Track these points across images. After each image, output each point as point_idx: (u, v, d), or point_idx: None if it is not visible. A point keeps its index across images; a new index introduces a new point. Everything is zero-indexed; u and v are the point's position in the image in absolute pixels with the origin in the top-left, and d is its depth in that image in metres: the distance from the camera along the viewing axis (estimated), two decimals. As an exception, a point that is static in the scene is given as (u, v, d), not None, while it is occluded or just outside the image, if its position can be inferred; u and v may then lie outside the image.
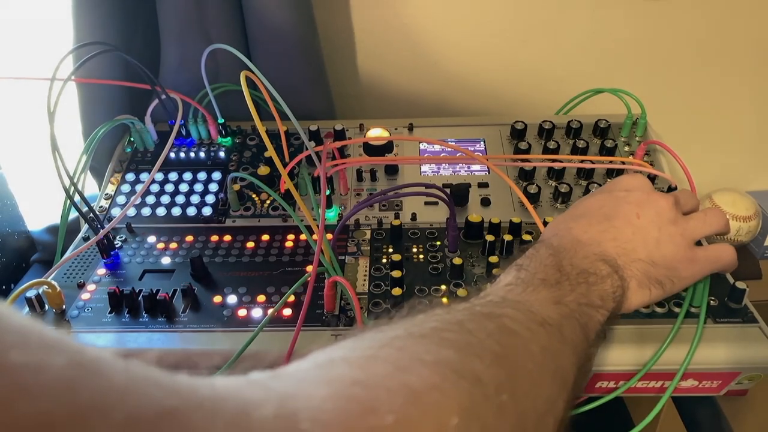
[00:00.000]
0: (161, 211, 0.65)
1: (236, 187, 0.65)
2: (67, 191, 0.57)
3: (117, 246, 0.60)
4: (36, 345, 0.17)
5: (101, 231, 0.57)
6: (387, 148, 0.72)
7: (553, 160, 0.67)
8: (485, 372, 0.27)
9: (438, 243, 0.60)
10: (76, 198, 0.58)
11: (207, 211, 0.65)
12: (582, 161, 0.67)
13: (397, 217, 0.63)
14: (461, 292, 0.53)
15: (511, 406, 0.28)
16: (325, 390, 0.23)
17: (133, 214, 0.65)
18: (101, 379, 0.17)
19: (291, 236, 0.61)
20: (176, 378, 0.20)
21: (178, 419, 0.18)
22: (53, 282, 0.52)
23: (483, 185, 0.67)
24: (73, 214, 0.68)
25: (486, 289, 0.39)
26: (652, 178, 0.65)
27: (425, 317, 0.31)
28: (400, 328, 0.29)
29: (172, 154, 0.72)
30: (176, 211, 0.65)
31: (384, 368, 0.25)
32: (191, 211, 0.65)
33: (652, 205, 0.45)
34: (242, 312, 0.53)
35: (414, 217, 0.63)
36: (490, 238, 0.57)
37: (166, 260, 0.59)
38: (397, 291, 0.52)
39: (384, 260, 0.58)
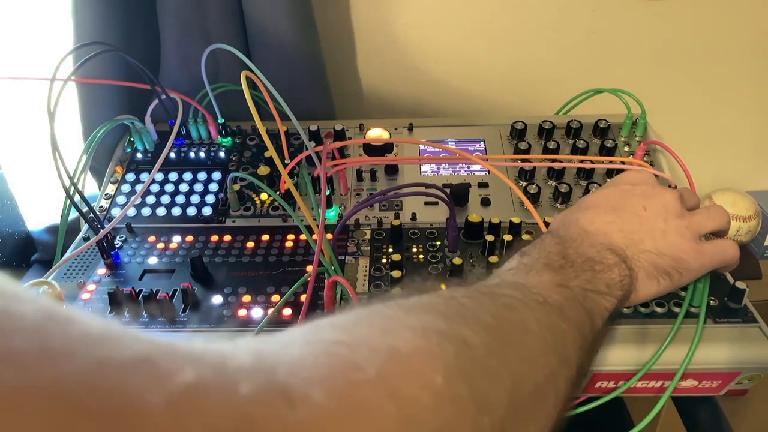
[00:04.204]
0: (161, 211, 0.65)
1: (236, 187, 0.65)
2: (67, 191, 0.57)
3: (117, 246, 0.60)
4: (10, 294, 0.17)
5: (101, 231, 0.57)
6: (387, 148, 0.72)
7: (553, 160, 0.67)
8: (473, 337, 0.27)
9: (438, 243, 0.60)
10: (76, 198, 0.58)
11: (207, 211, 0.65)
12: (582, 161, 0.67)
13: (397, 217, 0.63)
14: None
15: (503, 371, 0.27)
16: (307, 348, 0.22)
17: (133, 214, 0.65)
18: (73, 327, 0.17)
19: (291, 236, 0.61)
20: (154, 335, 0.20)
21: (151, 364, 0.18)
22: (53, 282, 0.52)
23: (483, 185, 0.67)
24: (73, 214, 0.68)
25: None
26: (652, 178, 0.65)
27: (419, 294, 0.31)
28: (392, 302, 0.29)
29: (172, 154, 0.72)
30: (176, 211, 0.65)
31: (369, 331, 0.25)
32: (191, 211, 0.65)
33: (658, 197, 0.45)
34: (242, 312, 0.53)
35: (414, 217, 0.63)
36: (490, 238, 0.57)
37: (166, 260, 0.59)
38: (397, 291, 0.52)
39: (384, 260, 0.58)
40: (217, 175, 0.70)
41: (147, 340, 0.19)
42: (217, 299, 0.54)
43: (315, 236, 0.54)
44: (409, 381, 0.23)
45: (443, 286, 0.52)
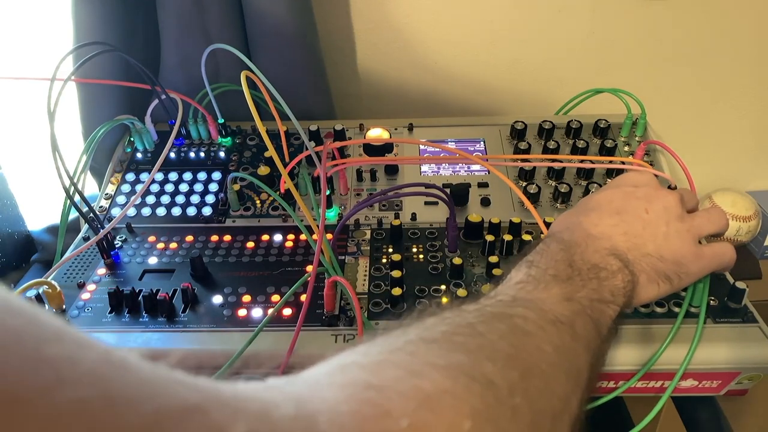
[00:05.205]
0: (161, 211, 0.65)
1: (236, 187, 0.65)
2: (67, 191, 0.57)
3: (117, 246, 0.60)
4: (70, 340, 0.18)
5: (101, 231, 0.57)
6: (387, 148, 0.72)
7: (553, 160, 0.67)
8: (497, 374, 0.27)
9: (438, 243, 0.60)
10: (76, 198, 0.58)
11: (207, 211, 0.65)
12: (582, 161, 0.67)
13: (397, 217, 0.63)
14: (461, 292, 0.53)
15: (525, 407, 0.28)
16: (340, 393, 0.23)
17: (133, 214, 0.65)
18: (130, 374, 0.18)
19: (291, 236, 0.61)
20: (199, 379, 0.20)
21: (203, 415, 0.18)
22: (53, 282, 0.52)
23: (483, 185, 0.67)
24: (73, 214, 0.68)
25: (496, 288, 0.39)
26: (652, 178, 0.65)
27: (436, 321, 0.31)
28: (411, 333, 0.29)
29: (172, 154, 0.72)
30: (176, 211, 0.65)
31: (396, 372, 0.25)
32: (191, 211, 0.65)
33: (660, 200, 0.45)
34: (242, 312, 0.53)
35: (414, 217, 0.63)
36: (490, 238, 0.57)
37: (166, 260, 0.59)
38: (397, 291, 0.52)
39: (384, 260, 0.58)
40: (217, 175, 0.70)
41: (191, 384, 0.20)
42: (217, 299, 0.54)
43: (315, 236, 0.54)
44: (440, 429, 0.23)
45: (444, 299, 0.52)
